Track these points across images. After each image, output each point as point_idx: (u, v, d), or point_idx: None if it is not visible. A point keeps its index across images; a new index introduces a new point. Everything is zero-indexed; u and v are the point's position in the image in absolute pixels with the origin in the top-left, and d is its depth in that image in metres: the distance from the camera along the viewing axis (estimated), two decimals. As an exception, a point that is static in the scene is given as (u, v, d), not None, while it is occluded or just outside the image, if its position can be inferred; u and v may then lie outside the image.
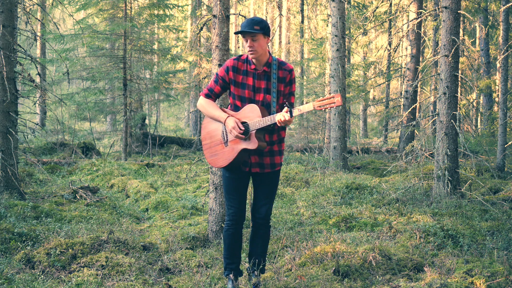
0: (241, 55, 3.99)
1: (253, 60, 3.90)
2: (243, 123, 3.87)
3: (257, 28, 3.78)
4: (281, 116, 3.69)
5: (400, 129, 14.38)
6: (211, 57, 5.63)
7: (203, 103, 4.03)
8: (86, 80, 13.14)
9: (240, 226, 4.06)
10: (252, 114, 3.84)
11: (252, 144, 3.83)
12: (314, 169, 10.00)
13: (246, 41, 3.82)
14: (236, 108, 3.97)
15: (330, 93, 11.35)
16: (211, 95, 4.04)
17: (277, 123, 3.73)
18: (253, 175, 4.06)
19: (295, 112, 3.71)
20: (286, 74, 3.93)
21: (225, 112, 3.97)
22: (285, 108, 3.71)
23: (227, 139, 3.94)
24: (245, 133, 3.85)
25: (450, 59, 7.34)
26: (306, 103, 19.07)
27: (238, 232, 4.07)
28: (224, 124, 3.91)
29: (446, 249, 5.16)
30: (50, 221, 5.97)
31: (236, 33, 3.81)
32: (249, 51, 3.83)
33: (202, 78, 14.54)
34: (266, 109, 3.89)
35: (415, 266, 4.68)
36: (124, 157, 12.02)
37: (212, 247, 5.31)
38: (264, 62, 3.91)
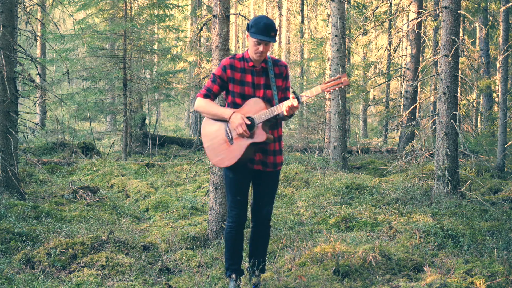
0: (235, 54, 4.00)
1: (254, 58, 3.91)
2: (248, 117, 3.85)
3: (273, 35, 3.81)
4: (289, 102, 3.71)
5: (400, 129, 14.38)
6: (211, 57, 5.63)
7: (202, 103, 3.96)
8: (86, 80, 13.13)
9: (242, 227, 4.07)
10: (256, 107, 3.84)
11: (260, 137, 3.80)
12: (314, 169, 9.99)
13: (258, 44, 3.82)
14: (236, 106, 3.94)
15: (330, 93, 11.37)
16: (210, 95, 3.98)
17: (285, 111, 3.72)
18: (255, 174, 4.04)
19: (303, 98, 3.71)
20: (283, 69, 4.01)
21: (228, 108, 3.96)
22: (292, 95, 3.72)
23: (231, 137, 3.88)
24: (251, 127, 3.82)
25: (450, 59, 7.34)
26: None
27: (240, 233, 4.07)
28: (229, 120, 3.85)
29: (446, 249, 5.16)
30: (50, 221, 5.98)
31: (254, 38, 3.78)
32: (258, 54, 3.85)
33: (202, 78, 14.54)
34: (269, 103, 3.91)
35: (415, 266, 4.68)
36: (124, 157, 12.02)
37: (212, 247, 5.31)
38: (262, 59, 3.95)
